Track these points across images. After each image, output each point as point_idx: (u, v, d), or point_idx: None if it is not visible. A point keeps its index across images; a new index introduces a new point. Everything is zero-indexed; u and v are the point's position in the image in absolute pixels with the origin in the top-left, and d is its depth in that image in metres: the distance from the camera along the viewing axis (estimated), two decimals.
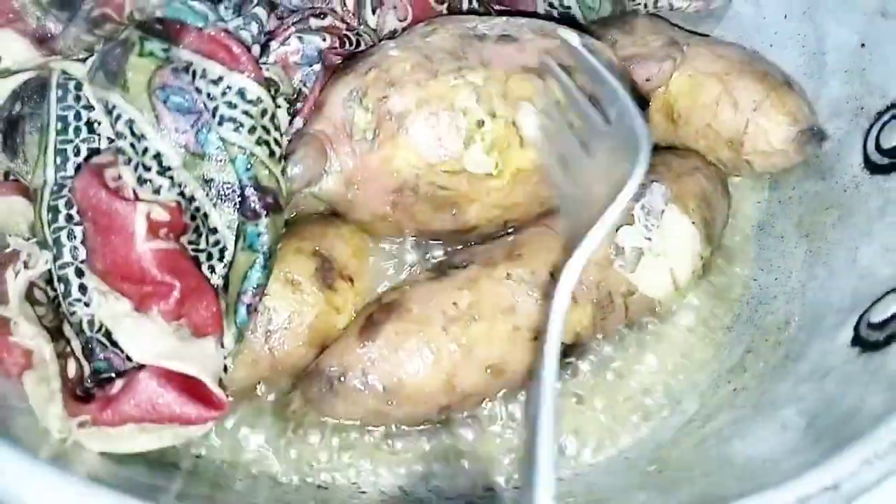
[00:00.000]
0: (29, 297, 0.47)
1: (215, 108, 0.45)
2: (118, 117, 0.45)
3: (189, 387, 0.41)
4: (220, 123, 0.45)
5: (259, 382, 0.50)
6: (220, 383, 0.43)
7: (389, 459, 0.49)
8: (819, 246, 0.54)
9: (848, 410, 0.38)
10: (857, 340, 0.45)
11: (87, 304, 0.43)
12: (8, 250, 0.48)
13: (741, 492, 0.31)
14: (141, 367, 0.41)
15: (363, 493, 0.48)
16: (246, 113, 0.45)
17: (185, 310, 0.42)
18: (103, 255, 0.42)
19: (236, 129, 0.45)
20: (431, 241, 0.54)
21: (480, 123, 0.47)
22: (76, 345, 0.45)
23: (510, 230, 0.53)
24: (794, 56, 0.60)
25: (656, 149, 0.60)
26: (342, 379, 0.48)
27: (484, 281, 0.50)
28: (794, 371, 0.47)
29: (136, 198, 0.43)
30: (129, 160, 0.45)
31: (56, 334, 0.46)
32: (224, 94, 0.45)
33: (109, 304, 0.41)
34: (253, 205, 0.45)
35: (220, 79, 0.45)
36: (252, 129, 0.45)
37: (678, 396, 0.52)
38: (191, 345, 0.41)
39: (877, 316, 0.45)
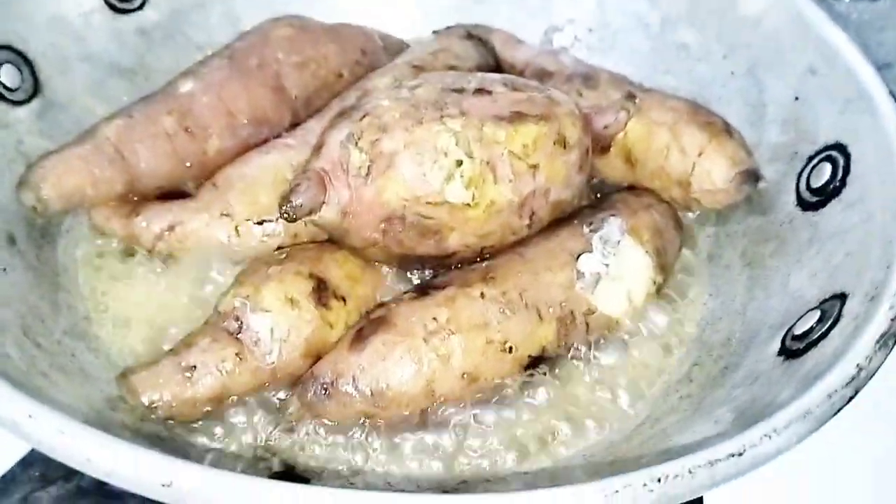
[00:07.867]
0: None
1: None
2: None
3: None
4: None
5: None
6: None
7: (376, 456, 0.55)
8: (759, 273, 0.62)
9: (765, 404, 0.45)
10: (783, 350, 0.52)
11: None
12: None
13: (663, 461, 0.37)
14: None
15: (352, 483, 0.53)
16: None
17: None
18: None
19: None
20: (416, 268, 0.61)
21: (459, 163, 0.54)
22: None
23: (486, 257, 0.60)
24: (739, 107, 0.68)
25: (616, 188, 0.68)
26: (335, 384, 0.54)
27: (461, 299, 0.56)
28: (730, 379, 0.54)
29: None
30: None
31: None
32: None
33: None
34: None
35: None
36: None
37: (633, 405, 0.58)
38: None
39: (799, 329, 0.51)
